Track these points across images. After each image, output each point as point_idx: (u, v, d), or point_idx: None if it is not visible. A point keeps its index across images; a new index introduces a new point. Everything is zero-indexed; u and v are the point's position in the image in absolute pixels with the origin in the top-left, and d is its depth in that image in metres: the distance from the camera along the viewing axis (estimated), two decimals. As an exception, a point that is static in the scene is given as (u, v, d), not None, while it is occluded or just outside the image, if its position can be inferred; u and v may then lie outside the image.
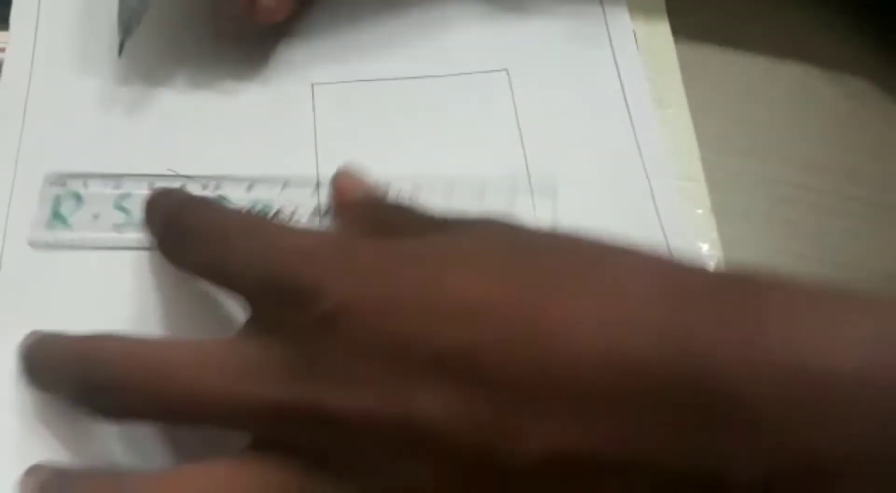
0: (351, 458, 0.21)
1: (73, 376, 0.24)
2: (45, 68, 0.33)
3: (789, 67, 0.36)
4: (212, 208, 0.26)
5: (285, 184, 0.32)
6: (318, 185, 0.31)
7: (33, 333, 0.27)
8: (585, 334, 0.20)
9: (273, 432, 0.22)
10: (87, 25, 0.34)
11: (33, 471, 0.25)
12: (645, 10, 0.36)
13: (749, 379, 0.17)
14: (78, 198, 0.31)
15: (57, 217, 0.30)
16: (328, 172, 0.30)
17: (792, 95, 0.35)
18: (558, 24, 0.35)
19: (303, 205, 0.31)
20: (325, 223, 0.31)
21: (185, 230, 0.25)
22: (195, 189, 0.31)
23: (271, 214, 0.31)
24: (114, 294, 0.29)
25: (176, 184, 0.31)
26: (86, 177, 0.31)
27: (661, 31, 0.36)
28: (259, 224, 0.25)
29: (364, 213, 0.29)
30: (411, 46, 0.35)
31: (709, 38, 0.36)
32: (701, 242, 0.32)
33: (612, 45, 0.35)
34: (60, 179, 0.31)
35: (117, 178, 0.31)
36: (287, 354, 0.22)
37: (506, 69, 0.34)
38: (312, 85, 0.34)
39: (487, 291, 0.21)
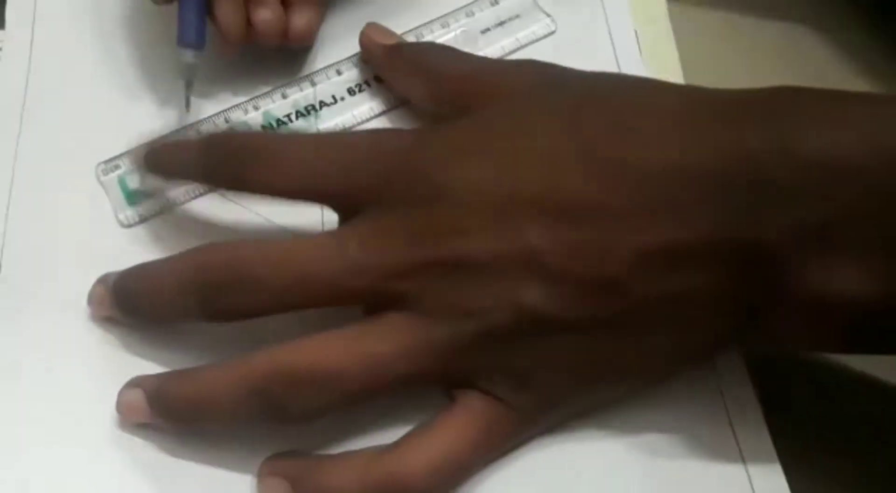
0: (473, 296, 0.24)
1: (190, 289, 0.25)
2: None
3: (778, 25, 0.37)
4: (262, 134, 0.29)
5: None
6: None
7: (111, 273, 0.28)
8: (654, 156, 0.23)
9: (405, 291, 0.24)
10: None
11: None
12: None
13: (784, 169, 0.22)
14: (136, 171, 0.31)
15: (132, 195, 0.30)
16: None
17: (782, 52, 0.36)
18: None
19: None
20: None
21: (258, 157, 0.26)
22: (238, 115, 0.32)
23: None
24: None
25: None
26: (133, 151, 0.31)
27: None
28: (325, 136, 0.28)
29: (402, 57, 0.31)
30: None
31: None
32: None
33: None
34: (112, 164, 0.31)
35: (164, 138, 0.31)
36: (408, 224, 0.24)
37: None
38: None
39: (563, 137, 0.24)
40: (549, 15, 0.35)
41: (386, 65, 0.32)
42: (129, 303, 0.27)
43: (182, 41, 0.30)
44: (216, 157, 0.27)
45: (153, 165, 0.28)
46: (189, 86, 0.31)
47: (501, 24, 0.34)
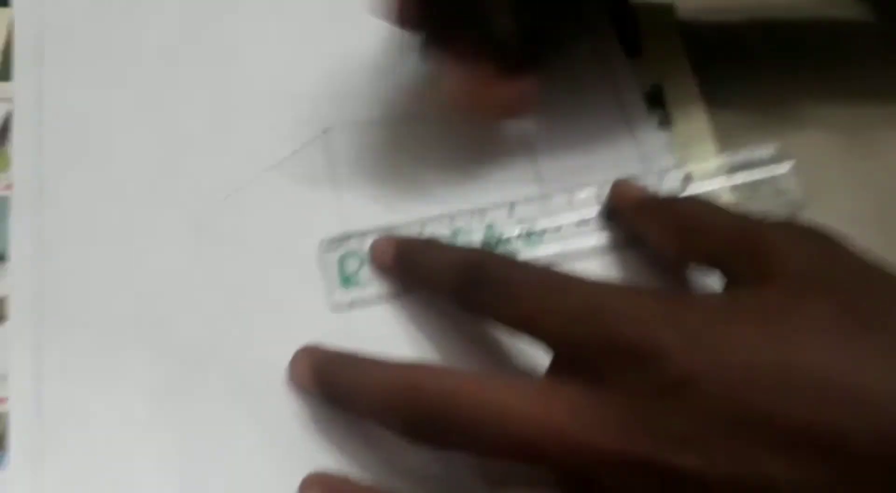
0: None
1: (393, 408, 0.25)
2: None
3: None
4: (516, 263, 0.27)
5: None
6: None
7: (319, 349, 0.29)
8: None
9: (605, 481, 0.23)
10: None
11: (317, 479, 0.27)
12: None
13: None
14: (358, 256, 0.31)
15: (347, 280, 0.31)
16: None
17: None
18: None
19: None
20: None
21: (495, 286, 0.26)
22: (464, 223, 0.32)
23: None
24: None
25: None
26: (360, 235, 0.32)
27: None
28: (574, 280, 0.26)
29: (657, 212, 0.30)
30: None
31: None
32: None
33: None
34: (336, 242, 0.32)
35: (389, 230, 0.32)
36: (629, 409, 0.22)
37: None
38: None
39: (847, 365, 0.21)
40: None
41: (637, 216, 0.31)
42: (329, 390, 0.28)
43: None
44: (473, 281, 0.27)
45: (401, 261, 0.30)
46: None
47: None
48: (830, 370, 0.21)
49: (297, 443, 0.29)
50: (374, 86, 0.36)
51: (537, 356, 0.27)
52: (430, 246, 0.30)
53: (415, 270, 0.30)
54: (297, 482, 0.27)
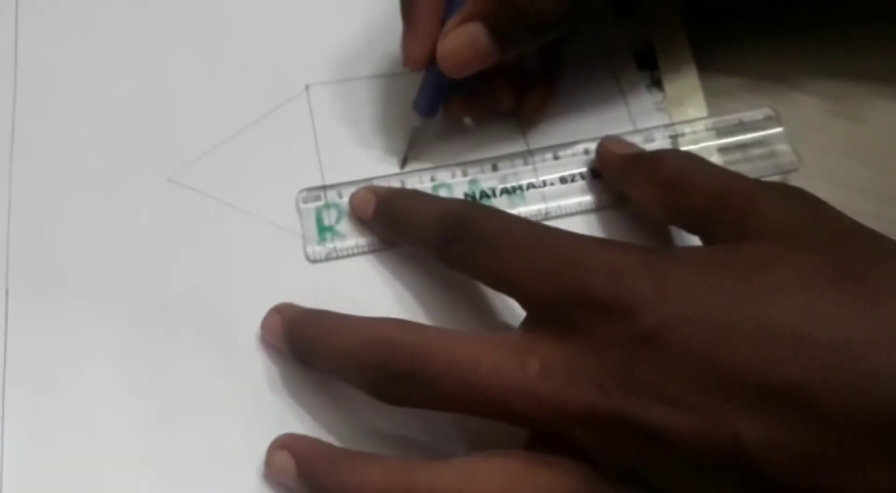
0: (656, 472, 0.22)
1: (363, 363, 0.24)
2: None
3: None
4: (496, 216, 0.26)
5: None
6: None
7: (291, 307, 0.28)
8: None
9: (577, 436, 0.22)
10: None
11: (286, 442, 0.26)
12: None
13: None
14: (337, 207, 0.31)
15: (325, 229, 0.30)
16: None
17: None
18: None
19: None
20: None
21: (473, 239, 0.25)
22: (445, 177, 0.32)
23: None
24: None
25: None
26: (339, 186, 0.31)
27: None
28: (551, 235, 0.25)
29: (642, 167, 0.29)
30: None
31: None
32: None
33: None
34: (314, 192, 0.31)
35: (368, 182, 0.31)
36: (601, 363, 0.22)
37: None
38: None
39: (823, 320, 0.21)
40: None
41: (623, 171, 0.30)
42: (300, 348, 0.27)
43: (416, 106, 0.31)
44: (452, 233, 0.26)
45: (382, 212, 0.29)
46: (411, 147, 0.32)
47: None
48: (806, 326, 0.21)
49: (268, 403, 0.28)
50: (356, 44, 0.35)
51: (516, 311, 0.26)
52: (411, 196, 0.29)
53: (395, 220, 0.29)
54: (266, 442, 0.26)
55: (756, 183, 0.26)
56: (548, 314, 0.24)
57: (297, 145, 0.33)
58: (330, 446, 0.26)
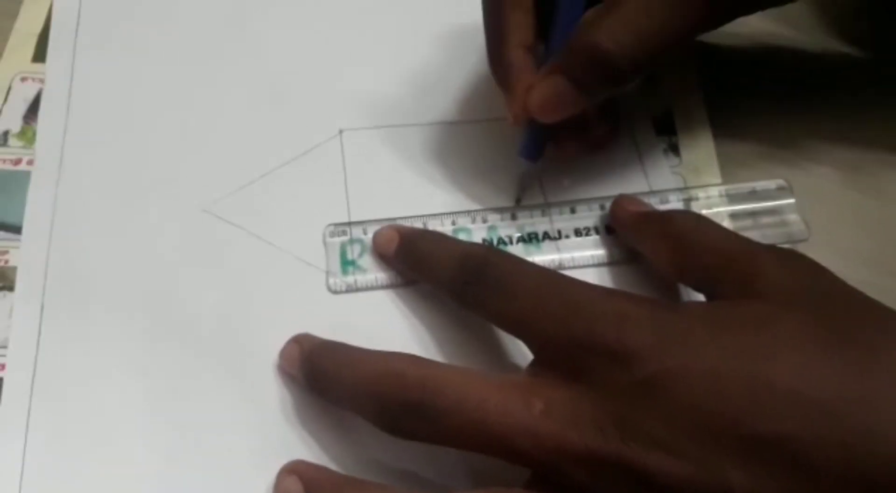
0: None
1: (374, 394, 0.25)
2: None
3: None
4: (516, 263, 0.28)
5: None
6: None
7: (310, 337, 0.29)
8: None
9: (575, 476, 0.23)
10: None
11: (296, 468, 0.27)
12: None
13: None
14: (361, 243, 0.32)
15: (347, 263, 0.32)
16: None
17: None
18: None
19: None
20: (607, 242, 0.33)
21: (491, 283, 0.27)
22: (465, 222, 0.33)
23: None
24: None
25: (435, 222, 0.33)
26: (364, 223, 0.32)
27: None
28: (565, 283, 0.26)
29: (653, 225, 0.30)
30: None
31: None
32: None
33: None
34: (341, 228, 0.33)
35: (392, 222, 0.33)
36: (602, 407, 0.23)
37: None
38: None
39: (817, 378, 0.22)
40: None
41: (635, 227, 0.32)
42: (315, 378, 0.28)
43: (522, 153, 0.33)
44: (472, 276, 0.27)
45: (404, 250, 0.30)
46: (523, 189, 0.34)
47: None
48: (799, 382, 0.22)
49: (281, 430, 0.29)
50: (387, 95, 0.37)
51: (524, 353, 0.27)
52: (434, 238, 0.31)
53: (416, 259, 0.30)
54: (276, 467, 0.27)
55: (760, 246, 0.27)
56: (554, 358, 0.25)
57: (327, 185, 0.34)
58: (338, 474, 0.27)
